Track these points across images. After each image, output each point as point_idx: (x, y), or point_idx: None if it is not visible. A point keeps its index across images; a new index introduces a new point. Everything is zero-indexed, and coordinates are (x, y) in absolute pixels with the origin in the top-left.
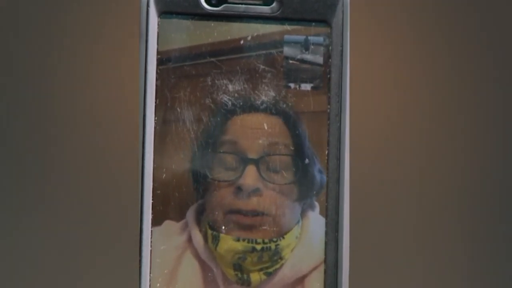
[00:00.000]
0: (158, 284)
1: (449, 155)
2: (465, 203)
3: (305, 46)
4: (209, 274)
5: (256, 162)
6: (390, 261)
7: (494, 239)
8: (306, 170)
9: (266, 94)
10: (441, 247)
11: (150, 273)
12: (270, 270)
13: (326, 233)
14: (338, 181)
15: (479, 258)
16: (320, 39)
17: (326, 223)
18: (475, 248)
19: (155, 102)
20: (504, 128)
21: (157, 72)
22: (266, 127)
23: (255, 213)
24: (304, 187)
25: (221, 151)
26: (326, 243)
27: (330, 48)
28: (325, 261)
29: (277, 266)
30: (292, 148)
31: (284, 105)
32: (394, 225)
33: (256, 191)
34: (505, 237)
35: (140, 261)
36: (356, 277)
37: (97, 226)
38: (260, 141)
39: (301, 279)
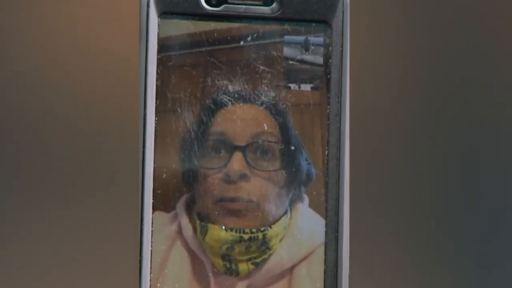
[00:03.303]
0: (158, 282)
1: (450, 155)
2: (466, 203)
3: (305, 46)
4: (199, 264)
5: (242, 149)
6: (390, 261)
7: (497, 240)
8: (293, 159)
9: (264, 93)
10: (441, 246)
11: (150, 273)
12: (258, 260)
13: (326, 233)
14: (338, 181)
15: (481, 259)
16: (320, 39)
17: (326, 223)
18: (477, 249)
19: (156, 102)
20: (504, 127)
21: (157, 72)
22: (254, 117)
23: (242, 200)
24: (291, 176)
25: (209, 140)
26: (325, 244)
27: (330, 48)
28: (325, 261)
29: (265, 256)
30: (279, 138)
31: (276, 101)
32: (394, 225)
33: (242, 177)
34: (507, 237)
35: (140, 256)
36: (356, 277)
37: (96, 225)
38: (247, 130)
39: (289, 270)
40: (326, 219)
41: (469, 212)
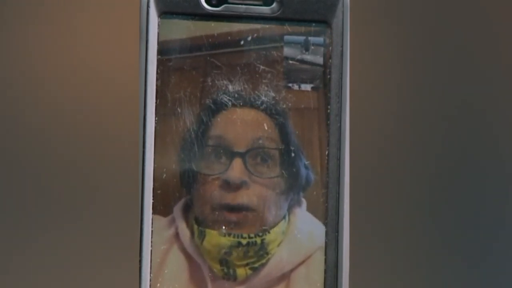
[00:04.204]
0: (158, 283)
1: (450, 156)
2: (467, 204)
3: (305, 46)
4: (196, 268)
5: (242, 156)
6: (390, 261)
7: (497, 240)
8: (293, 164)
9: (264, 93)
10: (441, 247)
11: (150, 273)
12: (256, 265)
13: (326, 233)
14: (338, 181)
15: (481, 259)
16: (320, 39)
17: (326, 224)
18: (477, 249)
19: (156, 102)
20: (505, 127)
21: (157, 72)
22: (254, 120)
23: (241, 207)
24: (290, 181)
25: (208, 145)
26: (326, 244)
27: (330, 48)
28: (325, 261)
29: (263, 261)
30: (279, 143)
31: (276, 102)
32: (394, 225)
33: (242, 184)
34: (506, 237)
35: (140, 256)
36: (356, 277)
37: (96, 225)
38: (247, 135)
39: (287, 275)
40: (326, 219)
41: (470, 213)
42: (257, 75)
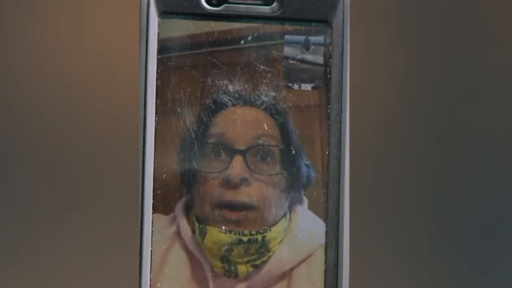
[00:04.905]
0: (158, 282)
1: (450, 156)
2: (467, 204)
3: (306, 46)
4: (198, 266)
5: (243, 153)
6: (390, 261)
7: (497, 241)
8: (293, 162)
9: (265, 93)
10: (441, 247)
11: (150, 273)
12: (257, 262)
13: (326, 233)
14: (338, 181)
15: (481, 260)
16: (321, 39)
17: (326, 224)
18: (477, 249)
19: (156, 102)
20: (505, 126)
21: (157, 72)
22: (254, 119)
23: (242, 204)
24: (291, 179)
25: (209, 143)
26: (326, 244)
27: (330, 48)
28: (325, 261)
29: (264, 258)
30: (280, 141)
31: (276, 101)
32: (394, 225)
33: (243, 182)
34: (505, 236)
35: (140, 256)
36: (356, 277)
37: (96, 225)
38: (248, 133)
39: (289, 272)
40: (326, 219)
41: (470, 213)
42: (258, 75)
